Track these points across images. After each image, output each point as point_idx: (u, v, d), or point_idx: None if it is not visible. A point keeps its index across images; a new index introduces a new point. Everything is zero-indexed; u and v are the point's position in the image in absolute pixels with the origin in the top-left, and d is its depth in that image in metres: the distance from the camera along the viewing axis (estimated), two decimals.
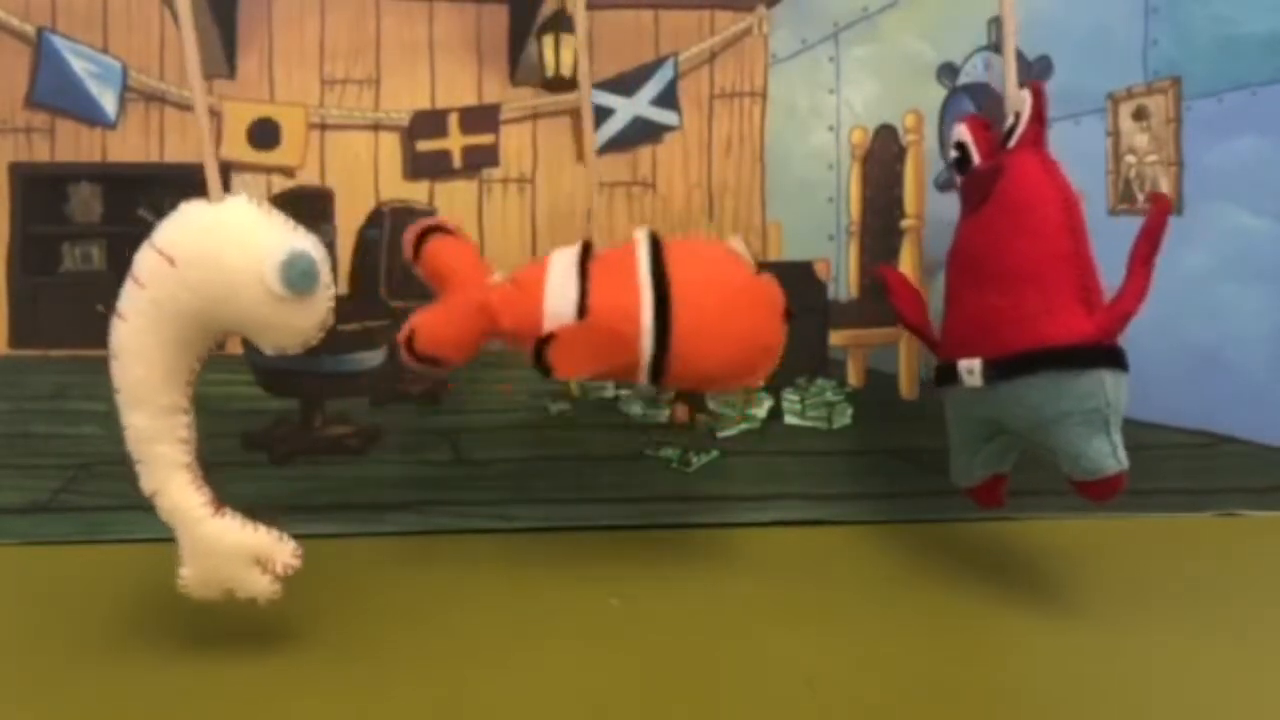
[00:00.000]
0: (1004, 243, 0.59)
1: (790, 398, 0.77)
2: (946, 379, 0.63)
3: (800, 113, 0.77)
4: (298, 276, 0.50)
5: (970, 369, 0.60)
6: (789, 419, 0.77)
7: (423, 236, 0.59)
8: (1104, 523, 0.74)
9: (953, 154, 0.64)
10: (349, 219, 0.74)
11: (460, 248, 0.60)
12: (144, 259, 0.51)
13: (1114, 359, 0.56)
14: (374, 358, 0.74)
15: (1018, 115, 0.61)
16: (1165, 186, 0.76)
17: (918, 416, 0.77)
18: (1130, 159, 0.76)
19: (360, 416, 0.74)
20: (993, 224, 0.60)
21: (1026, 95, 0.61)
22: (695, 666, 0.52)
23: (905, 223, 0.77)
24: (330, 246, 0.73)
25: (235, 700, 0.49)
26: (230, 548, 0.51)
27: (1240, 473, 0.76)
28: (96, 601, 0.59)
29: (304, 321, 0.51)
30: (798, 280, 0.76)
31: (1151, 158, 0.76)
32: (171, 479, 0.51)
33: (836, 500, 0.75)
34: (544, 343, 0.57)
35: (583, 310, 0.57)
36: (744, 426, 0.76)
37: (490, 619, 0.58)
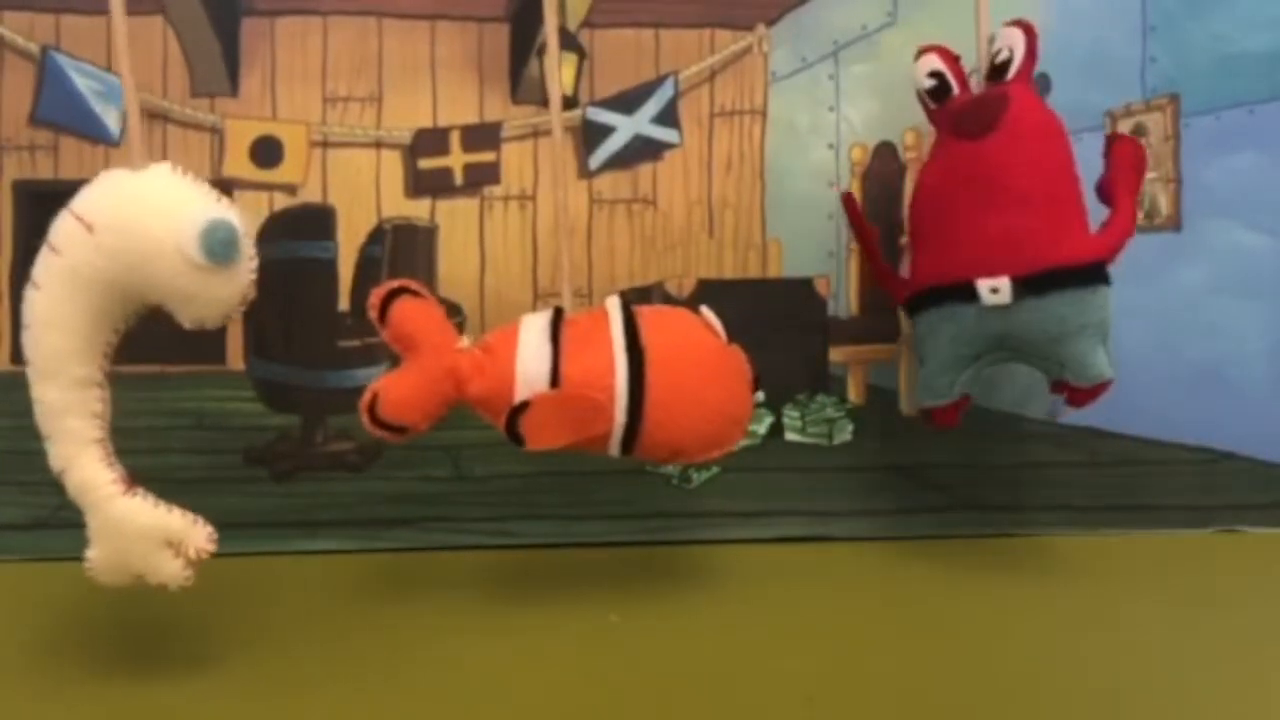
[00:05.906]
0: (1027, 166, 0.61)
1: (791, 414, 0.77)
2: (948, 299, 0.63)
3: (800, 130, 0.77)
4: (218, 245, 0.48)
5: (995, 287, 0.61)
6: (789, 435, 0.77)
7: (388, 299, 0.56)
8: (1105, 539, 0.74)
9: (927, 83, 0.66)
10: (351, 236, 0.74)
11: (427, 310, 0.57)
12: (61, 225, 0.49)
13: (1109, 276, 0.61)
14: (375, 373, 0.74)
15: (1011, 50, 0.63)
16: (1164, 203, 0.76)
17: (918, 432, 0.76)
18: None
19: (362, 432, 0.74)
20: (1009, 148, 0.61)
21: (1020, 33, 0.63)
22: (695, 683, 0.52)
23: (904, 239, 0.77)
24: (332, 264, 0.74)
25: (234, 715, 0.49)
26: (141, 528, 0.49)
27: (1241, 489, 0.76)
28: (96, 617, 0.59)
29: (224, 292, 0.49)
30: (798, 297, 0.77)
31: (1150, 175, 0.76)
32: (81, 454, 0.49)
33: (837, 517, 0.75)
34: (518, 411, 0.55)
35: (556, 378, 0.55)
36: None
37: (490, 635, 0.58)
